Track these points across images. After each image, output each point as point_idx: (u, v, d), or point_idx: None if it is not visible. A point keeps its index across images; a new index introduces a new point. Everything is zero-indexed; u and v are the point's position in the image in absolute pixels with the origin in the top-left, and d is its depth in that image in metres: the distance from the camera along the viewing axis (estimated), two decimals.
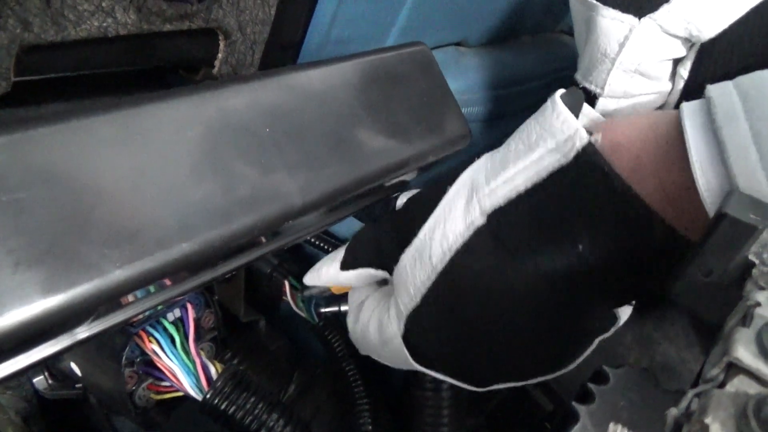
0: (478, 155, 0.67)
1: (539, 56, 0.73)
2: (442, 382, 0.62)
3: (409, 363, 0.44)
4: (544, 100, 0.73)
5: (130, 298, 0.34)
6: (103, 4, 0.35)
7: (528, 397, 0.62)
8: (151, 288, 0.35)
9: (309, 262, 0.72)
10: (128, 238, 0.26)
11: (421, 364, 0.43)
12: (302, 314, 0.62)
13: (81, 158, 0.26)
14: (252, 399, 0.50)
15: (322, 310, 0.62)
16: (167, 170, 0.28)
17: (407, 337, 0.42)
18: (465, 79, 0.64)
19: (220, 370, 0.50)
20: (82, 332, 0.30)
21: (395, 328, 0.42)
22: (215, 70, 0.46)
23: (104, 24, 0.36)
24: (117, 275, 0.25)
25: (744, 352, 0.24)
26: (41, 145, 0.25)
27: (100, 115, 0.26)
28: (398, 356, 0.44)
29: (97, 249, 0.25)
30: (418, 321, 0.41)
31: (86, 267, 0.24)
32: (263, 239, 0.39)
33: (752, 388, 0.23)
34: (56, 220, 0.24)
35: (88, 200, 0.25)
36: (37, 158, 0.24)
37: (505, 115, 0.69)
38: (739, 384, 0.23)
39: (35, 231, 0.24)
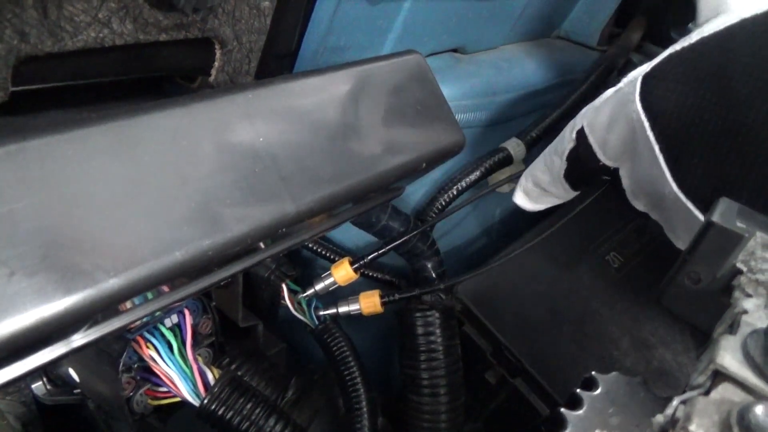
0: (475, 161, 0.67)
1: (536, 62, 0.73)
2: (439, 387, 0.62)
3: (632, 110, 0.42)
4: (541, 106, 0.73)
5: (127, 305, 0.34)
6: (100, 15, 0.36)
7: (525, 402, 0.62)
8: (149, 294, 0.35)
9: (306, 265, 0.73)
10: (122, 248, 0.26)
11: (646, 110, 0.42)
12: (301, 317, 0.62)
13: (74, 169, 0.26)
14: (249, 404, 0.50)
15: (321, 312, 0.62)
16: (161, 180, 0.28)
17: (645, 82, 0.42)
18: (462, 85, 0.64)
19: (217, 376, 0.51)
20: (79, 340, 0.31)
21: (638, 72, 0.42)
22: (212, 79, 0.46)
23: (101, 35, 0.37)
24: (110, 284, 0.25)
25: (729, 359, 0.24)
26: (35, 157, 0.25)
27: (93, 126, 0.27)
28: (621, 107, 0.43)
29: (91, 258, 0.25)
30: (661, 74, 0.41)
31: (80, 276, 0.25)
32: (261, 245, 0.39)
33: (737, 396, 0.23)
34: (50, 231, 0.25)
35: (82, 210, 0.26)
36: (31, 170, 0.25)
37: (502, 120, 0.70)
38: (723, 392, 0.23)
39: (30, 242, 0.24)
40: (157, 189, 0.28)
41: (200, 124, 0.31)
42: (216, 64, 0.45)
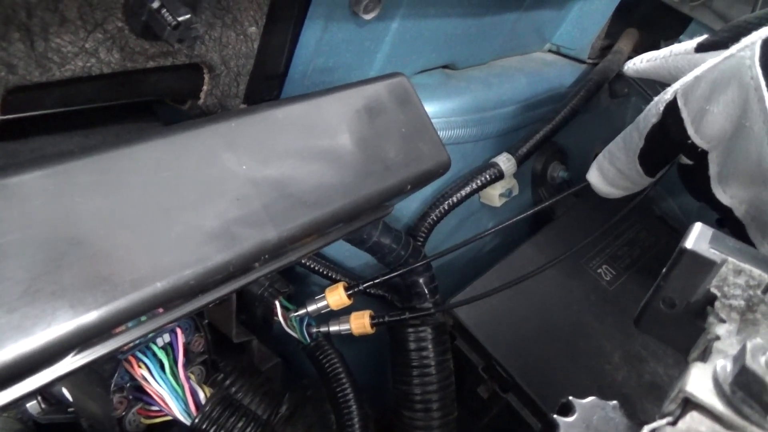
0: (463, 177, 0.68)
1: (526, 77, 0.74)
2: (432, 402, 0.62)
3: (749, 75, 0.39)
4: (531, 120, 0.74)
5: (117, 329, 0.35)
6: (87, 45, 0.37)
7: (517, 416, 0.62)
8: (143, 317, 0.35)
9: (300, 282, 0.74)
10: (101, 281, 0.27)
11: None
12: (293, 334, 0.63)
13: (56, 203, 0.27)
14: (240, 423, 0.50)
15: (314, 330, 0.63)
16: (142, 211, 0.29)
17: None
18: (452, 101, 0.65)
19: (208, 395, 0.51)
20: (67, 366, 0.31)
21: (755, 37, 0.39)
22: (201, 102, 0.47)
23: (88, 64, 0.37)
24: (91, 317, 0.26)
25: (699, 388, 0.25)
26: (16, 194, 0.26)
27: (73, 161, 0.27)
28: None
29: (72, 292, 0.26)
30: None
31: (61, 310, 0.25)
32: (256, 264, 0.40)
33: (704, 426, 0.24)
34: (32, 265, 0.25)
35: (64, 244, 0.26)
36: (11, 206, 0.25)
37: (493, 135, 0.70)
38: (691, 421, 0.24)
39: (11, 277, 0.25)
40: (138, 221, 0.29)
41: (182, 155, 0.31)
42: (205, 87, 0.46)
